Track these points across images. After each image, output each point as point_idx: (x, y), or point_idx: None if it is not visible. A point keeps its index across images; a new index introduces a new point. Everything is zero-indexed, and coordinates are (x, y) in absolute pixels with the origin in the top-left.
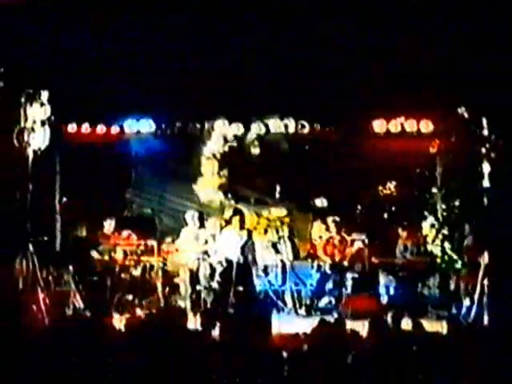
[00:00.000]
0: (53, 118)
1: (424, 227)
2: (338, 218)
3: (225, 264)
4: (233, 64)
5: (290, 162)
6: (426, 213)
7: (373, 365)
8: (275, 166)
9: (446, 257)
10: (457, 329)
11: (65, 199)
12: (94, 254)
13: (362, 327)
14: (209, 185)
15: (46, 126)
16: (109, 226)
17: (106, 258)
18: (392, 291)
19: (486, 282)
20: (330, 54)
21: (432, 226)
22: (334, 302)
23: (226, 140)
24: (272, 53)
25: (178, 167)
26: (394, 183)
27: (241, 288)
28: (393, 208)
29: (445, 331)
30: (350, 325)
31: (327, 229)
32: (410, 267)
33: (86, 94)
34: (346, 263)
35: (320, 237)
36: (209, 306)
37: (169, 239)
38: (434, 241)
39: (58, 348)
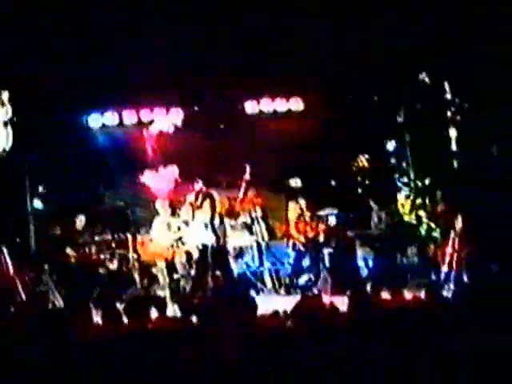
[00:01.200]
0: (15, 118)
1: (399, 198)
2: (310, 195)
3: (200, 249)
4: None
5: (258, 143)
6: (399, 184)
7: (356, 338)
8: (244, 148)
9: (421, 225)
10: (437, 296)
11: (35, 199)
12: (69, 251)
13: (342, 302)
14: (178, 172)
15: (9, 127)
16: (79, 222)
17: (81, 253)
18: (370, 263)
19: (462, 246)
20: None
21: (407, 196)
22: (313, 278)
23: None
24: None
25: (146, 157)
26: (365, 156)
27: (218, 272)
28: (365, 181)
29: (425, 299)
30: (330, 300)
31: (301, 207)
32: (386, 238)
33: (48, 90)
34: (321, 239)
35: (294, 215)
36: (188, 292)
37: (143, 230)
38: (411, 211)
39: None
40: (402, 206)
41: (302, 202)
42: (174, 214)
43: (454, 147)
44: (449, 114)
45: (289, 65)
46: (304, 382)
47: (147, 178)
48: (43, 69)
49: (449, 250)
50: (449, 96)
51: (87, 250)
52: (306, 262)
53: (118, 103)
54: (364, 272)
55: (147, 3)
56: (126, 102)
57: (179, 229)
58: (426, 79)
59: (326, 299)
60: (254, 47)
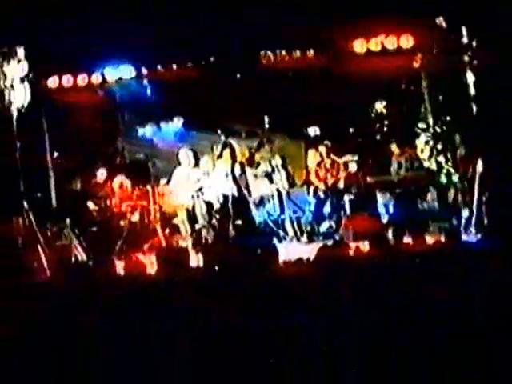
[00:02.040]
0: (31, 74)
1: (418, 144)
2: (329, 142)
3: (221, 199)
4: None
5: (276, 93)
6: (417, 130)
7: (378, 284)
8: (262, 97)
9: (441, 170)
10: (458, 239)
11: (55, 153)
12: (91, 205)
13: (364, 247)
14: (197, 123)
15: (26, 83)
16: (101, 175)
17: (103, 207)
18: (391, 209)
19: (482, 190)
20: None
21: (426, 142)
22: (334, 225)
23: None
24: None
25: (166, 110)
26: (383, 103)
27: (239, 221)
28: (384, 128)
29: (446, 243)
30: (352, 246)
31: (320, 154)
32: (407, 184)
33: (62, 46)
34: (341, 186)
35: (314, 163)
36: (210, 242)
37: (163, 182)
38: (430, 156)
39: (64, 301)
40: (422, 151)
41: (322, 149)
42: (195, 164)
43: (472, 91)
44: (466, 58)
45: None
46: (327, 331)
47: (166, 129)
48: (57, 24)
49: (469, 194)
50: (465, 40)
51: (108, 202)
52: (326, 209)
53: (136, 56)
54: (385, 218)
55: None
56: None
57: (199, 180)
58: (443, 23)
59: (348, 246)
60: None
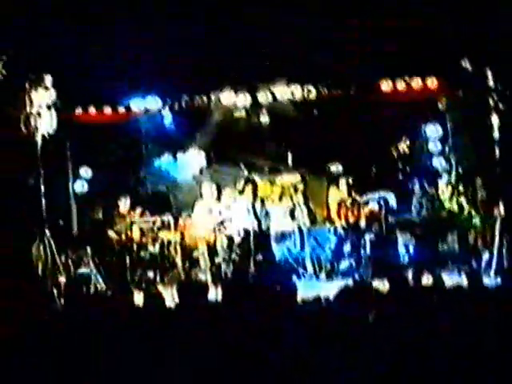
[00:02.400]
0: (58, 101)
1: (440, 184)
2: (351, 180)
3: (242, 234)
4: (235, 31)
5: (300, 129)
6: (439, 170)
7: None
8: (286, 132)
9: (462, 212)
10: (478, 282)
11: (78, 181)
12: (111, 234)
13: (383, 287)
14: (220, 157)
15: (53, 110)
16: (124, 205)
17: (124, 237)
18: (411, 249)
19: (503, 233)
20: (331, 16)
21: (448, 183)
22: (354, 264)
23: (233, 110)
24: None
25: (189, 141)
26: (406, 142)
27: (260, 257)
28: (407, 167)
29: (466, 285)
30: (371, 285)
31: (342, 192)
32: (427, 224)
33: (89, 76)
34: (362, 225)
35: (335, 200)
36: (229, 276)
37: (185, 213)
38: (451, 197)
39: (81, 330)
40: (443, 192)
41: (343, 186)
42: (218, 198)
43: (496, 134)
44: (491, 101)
45: None
46: (344, 366)
47: (189, 161)
48: (86, 52)
49: (489, 237)
50: (491, 83)
51: (129, 232)
52: (346, 248)
53: (161, 88)
54: (405, 258)
55: None
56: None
57: (220, 213)
58: (468, 65)
59: (367, 285)
60: None
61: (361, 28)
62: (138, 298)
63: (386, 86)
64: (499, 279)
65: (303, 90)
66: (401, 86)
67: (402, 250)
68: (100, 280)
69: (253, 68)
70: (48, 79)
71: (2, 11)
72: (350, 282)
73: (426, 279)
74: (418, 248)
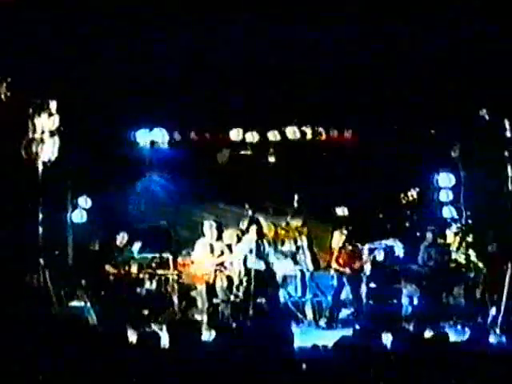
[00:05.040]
0: (62, 128)
1: (448, 235)
2: (357, 227)
3: (242, 275)
4: (246, 72)
5: (307, 171)
6: (449, 220)
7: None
8: (293, 175)
9: (470, 264)
10: (483, 337)
11: (77, 212)
12: (108, 268)
13: (384, 339)
14: (225, 196)
15: (56, 137)
16: (121, 238)
17: (120, 271)
18: (415, 301)
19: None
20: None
21: (456, 233)
22: (355, 313)
23: (241, 149)
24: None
25: (194, 177)
26: (416, 190)
27: (259, 300)
28: (414, 216)
29: (470, 342)
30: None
31: (347, 238)
32: (433, 276)
33: (95, 104)
34: (366, 273)
35: (340, 246)
36: (226, 318)
37: (185, 251)
38: (458, 248)
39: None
40: (452, 242)
41: (347, 233)
42: (219, 237)
43: (510, 188)
44: (506, 153)
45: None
46: None
47: (192, 198)
48: (92, 80)
49: (497, 292)
50: (509, 134)
51: (126, 268)
52: (348, 296)
53: (169, 121)
54: (408, 310)
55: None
56: (182, 120)
57: (222, 253)
58: (486, 116)
59: (367, 336)
60: None
61: (374, 74)
62: (132, 336)
63: (396, 131)
64: (504, 337)
65: (314, 131)
66: (413, 133)
67: (405, 301)
68: (93, 314)
69: (264, 107)
70: (53, 105)
71: (8, 34)
72: (349, 332)
73: (429, 333)
74: (422, 300)
